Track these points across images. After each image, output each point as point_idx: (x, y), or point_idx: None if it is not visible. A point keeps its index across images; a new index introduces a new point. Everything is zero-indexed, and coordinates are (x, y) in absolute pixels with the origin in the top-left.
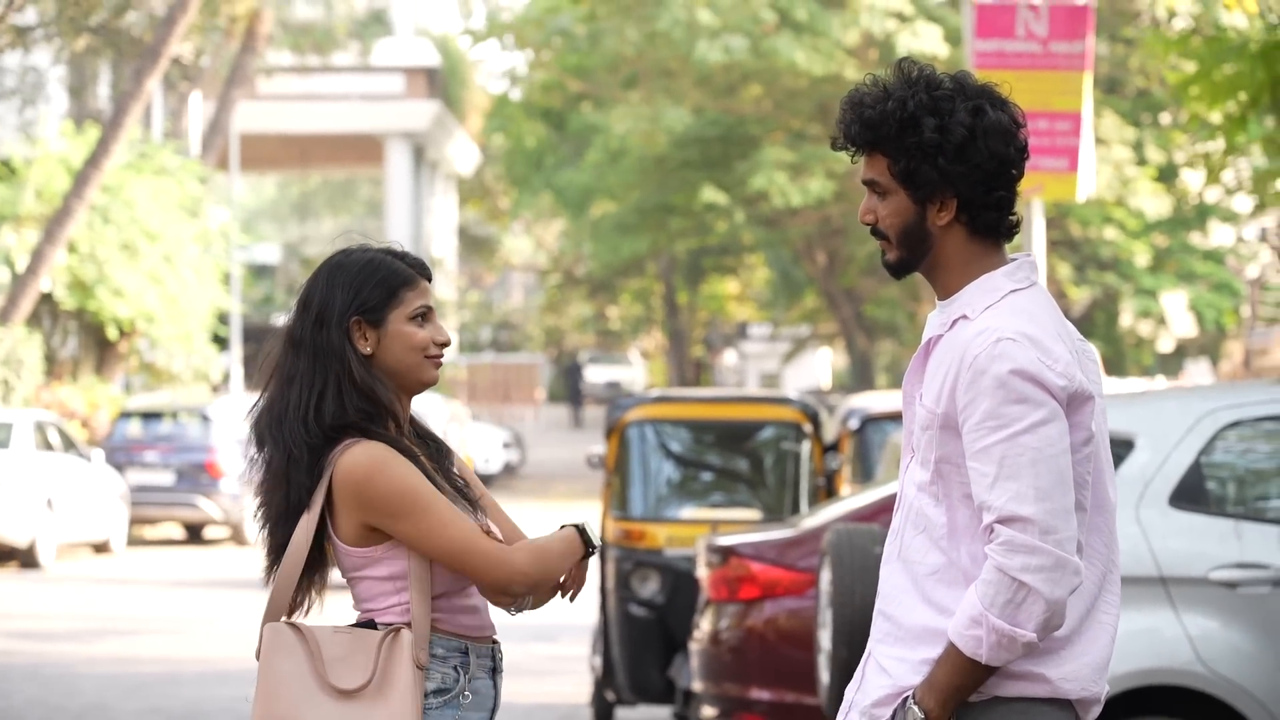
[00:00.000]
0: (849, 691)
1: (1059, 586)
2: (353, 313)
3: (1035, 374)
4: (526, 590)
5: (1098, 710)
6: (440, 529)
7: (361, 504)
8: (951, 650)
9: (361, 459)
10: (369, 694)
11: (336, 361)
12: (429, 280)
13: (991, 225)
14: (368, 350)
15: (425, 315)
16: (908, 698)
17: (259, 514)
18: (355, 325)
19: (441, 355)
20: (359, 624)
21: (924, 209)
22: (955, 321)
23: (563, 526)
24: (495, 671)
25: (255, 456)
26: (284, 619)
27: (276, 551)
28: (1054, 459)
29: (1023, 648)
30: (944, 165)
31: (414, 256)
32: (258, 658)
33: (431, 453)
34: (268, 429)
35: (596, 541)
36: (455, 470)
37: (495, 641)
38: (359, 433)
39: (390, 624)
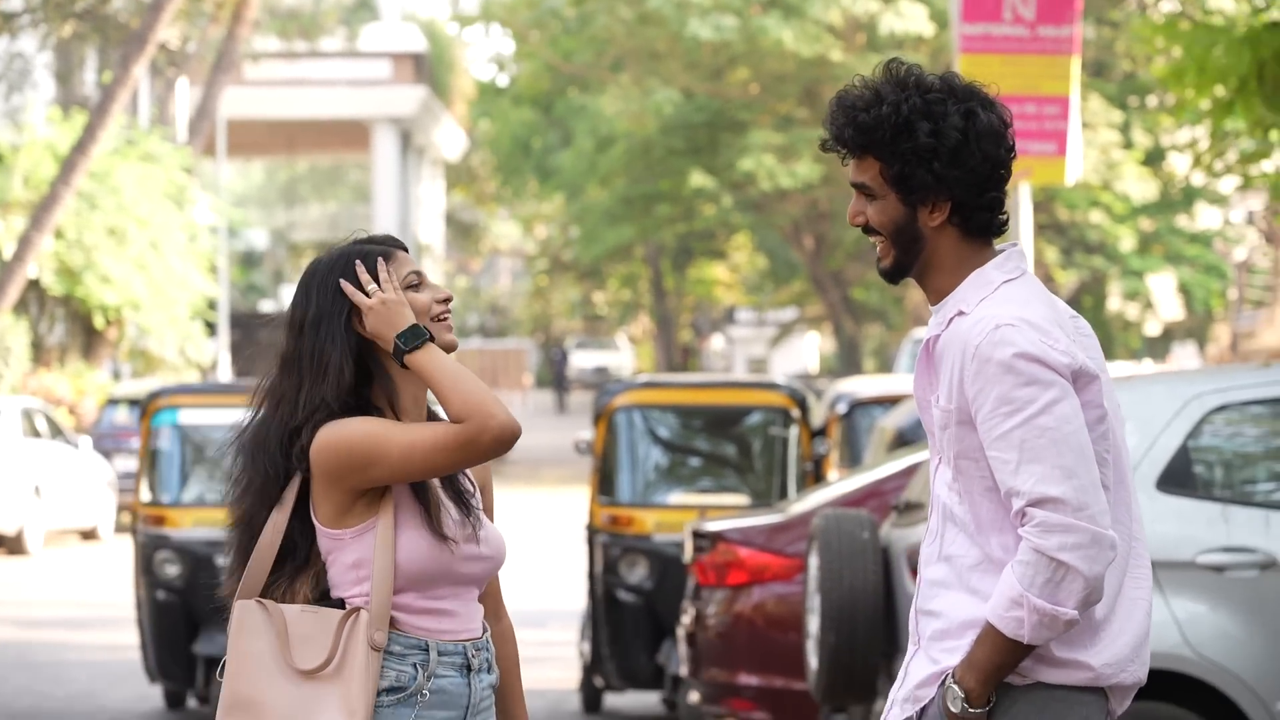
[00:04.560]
0: (892, 691)
1: (1097, 562)
2: (347, 305)
3: (1039, 355)
4: (514, 438)
5: (1128, 701)
6: (410, 452)
7: (338, 470)
8: (991, 631)
9: (325, 433)
10: (327, 675)
11: (335, 359)
12: (405, 250)
13: (984, 226)
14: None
15: (419, 282)
16: (948, 676)
17: (234, 531)
18: (355, 316)
19: (449, 314)
20: (329, 602)
21: (915, 211)
22: (952, 319)
23: (405, 347)
24: (469, 670)
25: (237, 475)
26: (255, 598)
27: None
28: (1072, 435)
29: (1064, 625)
30: (939, 169)
31: (381, 234)
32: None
33: None
34: (251, 452)
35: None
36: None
37: (468, 642)
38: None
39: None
